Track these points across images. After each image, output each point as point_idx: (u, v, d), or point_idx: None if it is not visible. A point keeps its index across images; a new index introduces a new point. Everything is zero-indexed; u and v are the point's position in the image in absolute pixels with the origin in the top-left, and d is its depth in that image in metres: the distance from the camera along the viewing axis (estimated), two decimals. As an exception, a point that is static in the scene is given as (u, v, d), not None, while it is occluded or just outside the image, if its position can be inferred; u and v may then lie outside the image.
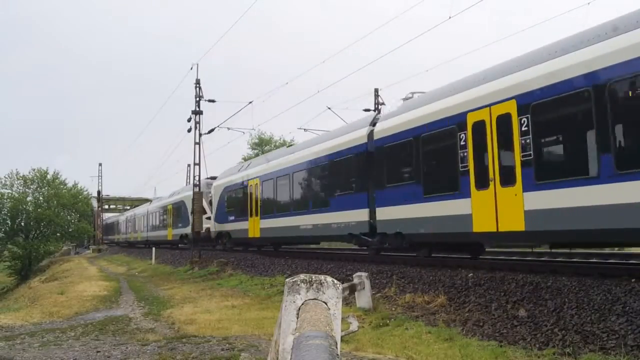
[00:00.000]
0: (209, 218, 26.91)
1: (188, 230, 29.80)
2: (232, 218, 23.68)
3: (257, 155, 48.76)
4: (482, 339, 7.07)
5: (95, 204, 68.72)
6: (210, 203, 26.81)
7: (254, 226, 20.84)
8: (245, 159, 46.48)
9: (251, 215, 21.18)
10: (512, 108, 9.52)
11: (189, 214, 29.04)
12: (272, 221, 19.47)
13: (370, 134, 13.94)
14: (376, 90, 31.51)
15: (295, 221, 17.54)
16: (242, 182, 22.55)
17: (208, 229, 26.57)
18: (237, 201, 23.23)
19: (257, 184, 20.89)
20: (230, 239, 24.40)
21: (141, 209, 49.96)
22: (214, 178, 28.91)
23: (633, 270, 8.66)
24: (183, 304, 12.58)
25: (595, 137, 8.12)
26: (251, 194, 21.39)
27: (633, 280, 7.73)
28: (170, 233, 35.87)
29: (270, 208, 19.74)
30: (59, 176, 61.78)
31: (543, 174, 8.97)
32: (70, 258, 50.46)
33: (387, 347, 6.88)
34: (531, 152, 9.15)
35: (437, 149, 11.57)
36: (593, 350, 6.05)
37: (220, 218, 25.26)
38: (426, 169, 11.81)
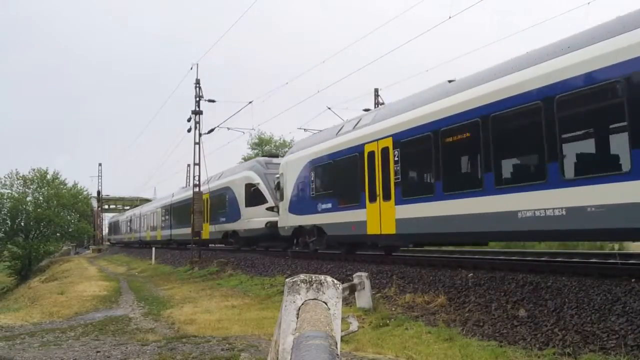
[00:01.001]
0: (270, 208, 20.53)
1: (237, 226, 23.11)
2: (327, 206, 15.97)
3: (257, 155, 47.38)
4: (482, 339, 7.07)
5: (95, 204, 68.79)
6: (278, 186, 19.34)
7: (383, 216, 13.22)
8: (245, 159, 45.26)
9: (373, 200, 13.61)
10: None
11: (240, 204, 22.77)
12: (428, 207, 11.75)
13: None
14: (376, 90, 31.50)
15: (504, 204, 9.68)
16: (351, 148, 14.76)
17: (274, 224, 19.76)
18: (338, 179, 15.56)
19: (387, 147, 13.12)
20: (322, 236, 16.45)
21: (162, 201, 41.49)
22: (273, 156, 24.46)
23: (633, 270, 8.65)
24: (183, 304, 12.59)
25: None
26: (373, 165, 13.65)
27: (633, 280, 7.73)
28: (206, 230, 27.10)
29: (424, 185, 12.42)
30: (58, 176, 61.87)
31: None
32: (70, 258, 50.51)
33: (387, 347, 6.89)
34: None
35: None
36: (593, 350, 6.05)
37: (300, 207, 17.41)
38: None
